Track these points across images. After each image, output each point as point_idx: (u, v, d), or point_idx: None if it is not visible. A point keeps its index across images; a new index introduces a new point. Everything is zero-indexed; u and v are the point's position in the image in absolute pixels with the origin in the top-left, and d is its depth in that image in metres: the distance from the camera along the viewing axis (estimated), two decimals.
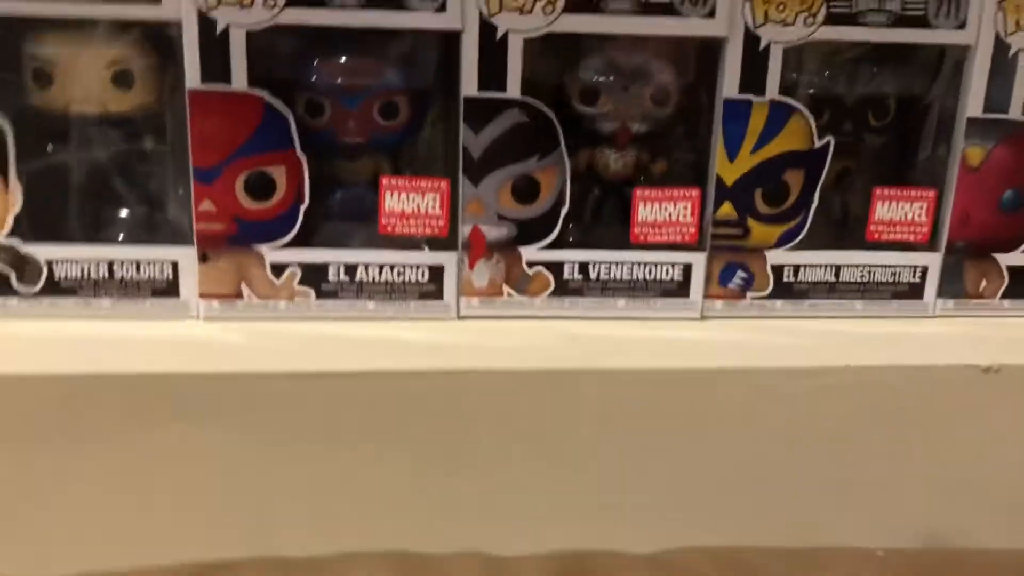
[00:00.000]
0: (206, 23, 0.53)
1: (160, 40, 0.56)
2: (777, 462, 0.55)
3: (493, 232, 0.58)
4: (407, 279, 0.58)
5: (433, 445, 0.53)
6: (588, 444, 0.54)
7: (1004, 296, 0.63)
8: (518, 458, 0.54)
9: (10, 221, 0.55)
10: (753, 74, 0.57)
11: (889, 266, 0.62)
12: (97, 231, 0.59)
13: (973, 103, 0.59)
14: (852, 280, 0.62)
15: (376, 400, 0.52)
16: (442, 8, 0.54)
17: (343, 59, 0.57)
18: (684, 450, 0.54)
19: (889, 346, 0.58)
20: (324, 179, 0.60)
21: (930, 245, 0.62)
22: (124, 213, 0.59)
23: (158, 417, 0.51)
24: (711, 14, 0.55)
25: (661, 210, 0.59)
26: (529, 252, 0.59)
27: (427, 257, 0.58)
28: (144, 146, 0.59)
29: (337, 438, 0.52)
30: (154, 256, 0.57)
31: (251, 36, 0.53)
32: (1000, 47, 0.58)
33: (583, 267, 0.59)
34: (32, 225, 0.56)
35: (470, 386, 0.52)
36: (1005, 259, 0.62)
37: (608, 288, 0.60)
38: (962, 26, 0.57)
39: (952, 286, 0.62)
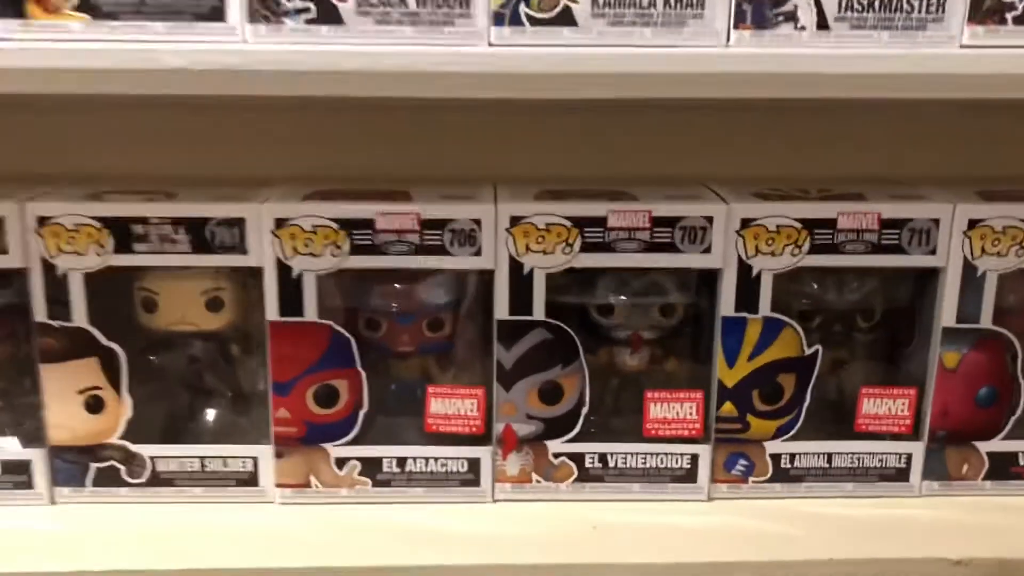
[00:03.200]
0: (284, 269, 0.64)
1: (245, 271, 0.67)
2: None
3: (523, 429, 0.68)
4: (449, 469, 0.68)
5: None
6: None
7: (987, 478, 0.70)
8: None
9: (122, 426, 0.67)
10: (747, 296, 0.66)
11: (877, 453, 0.69)
12: (192, 425, 0.70)
13: (947, 314, 0.67)
14: (843, 466, 0.69)
15: None
16: (478, 253, 0.64)
17: (398, 287, 0.67)
18: None
19: (873, 532, 0.65)
20: (380, 375, 0.71)
21: (914, 435, 0.69)
22: (213, 411, 0.71)
23: None
24: (708, 250, 0.64)
25: (670, 409, 0.68)
26: (554, 445, 0.68)
27: (466, 451, 0.68)
28: (231, 354, 0.70)
29: None
30: (238, 453, 0.68)
31: (320, 278, 0.64)
32: (968, 268, 0.66)
33: (602, 457, 0.68)
34: (140, 428, 0.67)
35: None
36: (985, 446, 0.69)
37: (625, 475, 0.69)
38: (932, 252, 0.66)
39: (936, 469, 0.70)
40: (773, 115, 0.76)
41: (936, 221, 0.65)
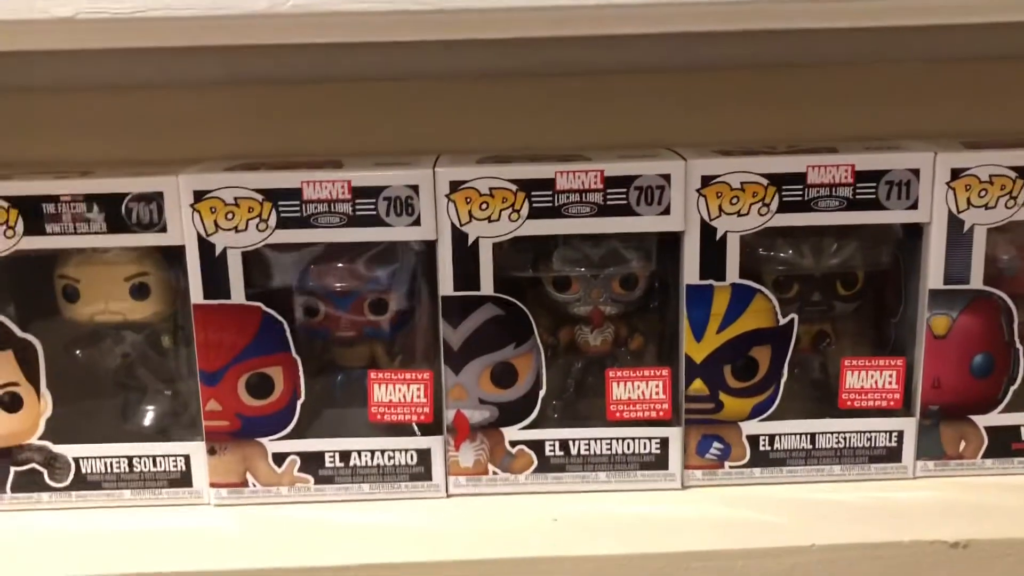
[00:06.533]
0: (206, 246, 0.59)
1: (171, 255, 0.62)
2: None
3: (476, 415, 0.62)
4: (398, 462, 0.63)
5: None
6: None
7: (986, 456, 0.64)
8: None
9: (42, 425, 0.62)
10: (712, 261, 0.60)
11: (864, 431, 0.63)
12: (127, 425, 0.65)
13: (934, 276, 0.61)
14: (828, 446, 0.63)
15: None
16: (417, 223, 0.59)
17: (334, 265, 0.62)
18: None
19: (860, 517, 0.59)
20: (325, 365, 0.66)
21: (904, 410, 0.64)
22: (151, 409, 0.66)
23: None
24: (666, 211, 0.59)
25: (634, 389, 0.62)
26: (511, 432, 0.63)
27: (415, 441, 0.62)
28: (162, 346, 0.65)
29: None
30: (168, 451, 0.62)
31: (247, 255, 0.59)
32: (954, 223, 0.60)
33: (564, 444, 0.63)
34: (61, 427, 0.62)
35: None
36: (983, 420, 0.63)
37: (589, 463, 0.63)
38: (914, 207, 0.60)
39: (930, 448, 0.64)
40: (749, 78, 0.71)
41: (916, 172, 0.60)
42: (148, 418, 0.66)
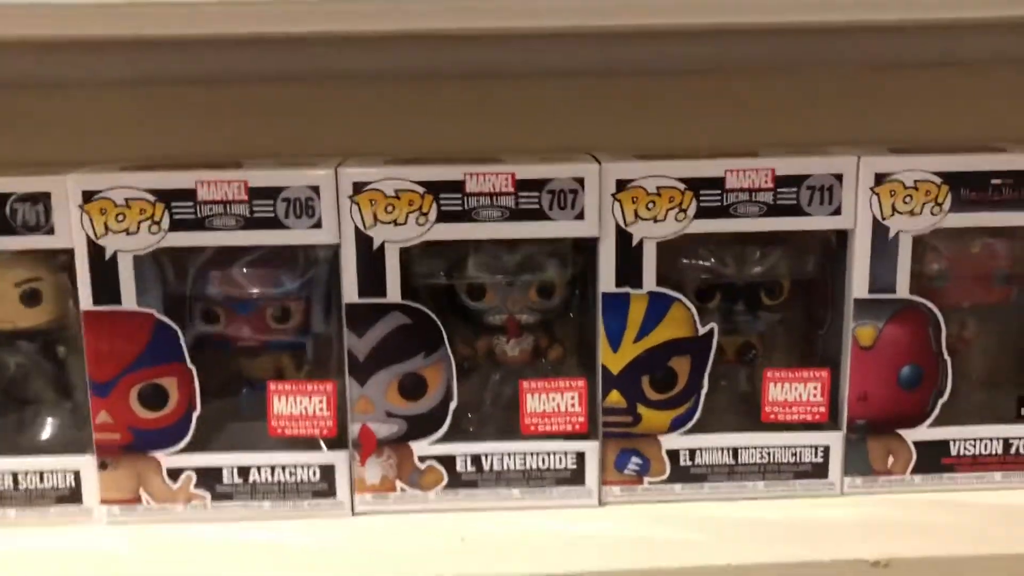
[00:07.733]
0: (96, 250, 0.56)
1: (66, 259, 0.59)
2: None
3: (382, 429, 0.59)
4: (300, 479, 0.59)
5: None
6: None
7: (915, 471, 0.62)
8: None
9: None
10: (628, 269, 0.58)
11: (789, 446, 0.61)
12: (20, 440, 0.61)
13: (858, 284, 0.59)
14: (752, 461, 0.61)
15: None
16: (318, 225, 0.56)
17: (234, 271, 0.59)
18: None
19: (782, 536, 0.57)
20: (232, 376, 0.63)
21: (831, 424, 0.61)
22: (49, 422, 0.62)
23: None
24: (580, 216, 0.57)
25: (549, 401, 0.60)
26: (420, 447, 0.60)
27: (318, 457, 0.59)
28: (57, 356, 0.62)
29: None
30: (56, 466, 0.59)
31: (139, 259, 0.56)
32: (879, 230, 0.58)
33: (476, 459, 0.60)
34: None
35: None
36: (911, 435, 0.61)
37: (502, 479, 0.60)
38: (837, 212, 0.58)
39: (857, 463, 0.61)
40: (673, 83, 0.69)
41: (839, 177, 0.58)
42: (46, 432, 0.63)
